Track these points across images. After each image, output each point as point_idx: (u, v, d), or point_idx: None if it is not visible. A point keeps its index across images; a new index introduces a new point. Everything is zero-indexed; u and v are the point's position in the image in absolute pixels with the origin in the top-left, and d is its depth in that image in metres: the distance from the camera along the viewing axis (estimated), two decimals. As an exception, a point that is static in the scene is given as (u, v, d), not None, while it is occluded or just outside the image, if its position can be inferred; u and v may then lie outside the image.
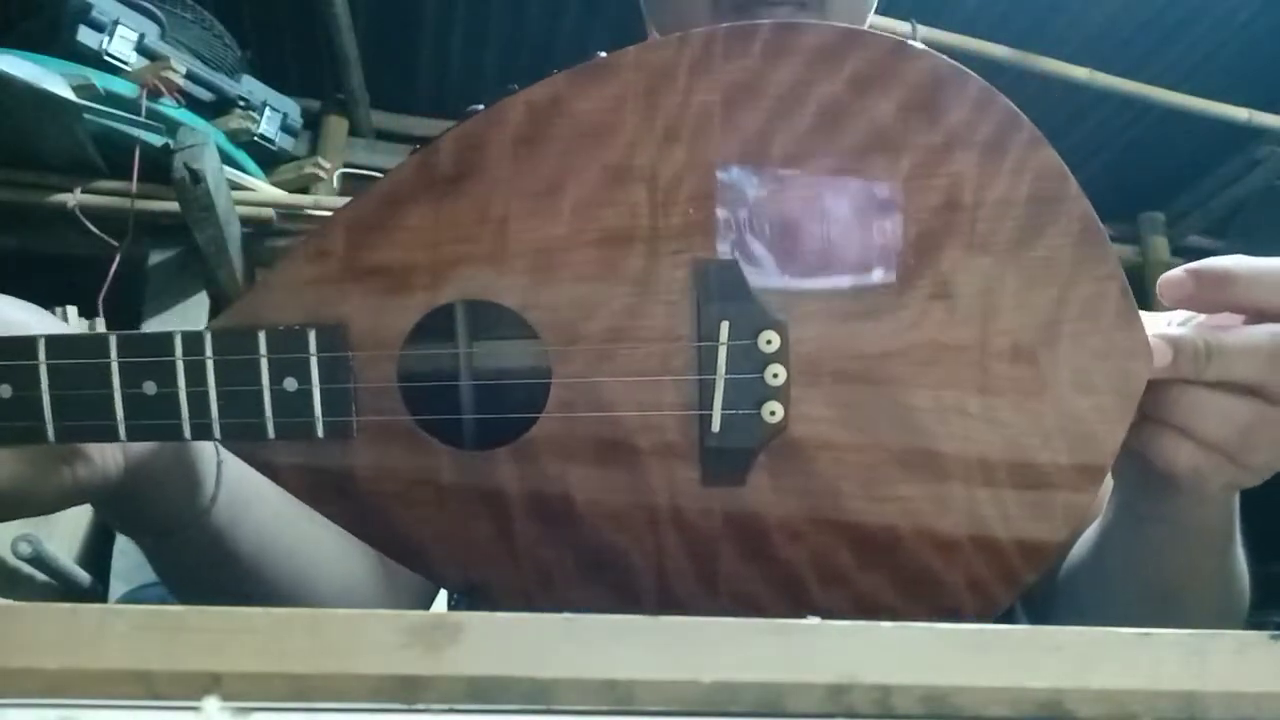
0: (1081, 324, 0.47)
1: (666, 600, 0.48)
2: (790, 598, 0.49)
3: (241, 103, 2.07)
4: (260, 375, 0.46)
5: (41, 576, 1.66)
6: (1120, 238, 3.18)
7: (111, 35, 1.87)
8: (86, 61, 1.84)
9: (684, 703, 0.33)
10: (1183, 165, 3.02)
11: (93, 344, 0.46)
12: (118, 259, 1.77)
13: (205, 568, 0.59)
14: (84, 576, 1.74)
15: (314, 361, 0.46)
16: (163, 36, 1.99)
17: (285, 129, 2.16)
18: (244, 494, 0.59)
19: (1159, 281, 0.49)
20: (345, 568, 0.67)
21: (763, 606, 0.49)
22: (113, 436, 0.46)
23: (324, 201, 2.02)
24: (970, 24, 2.50)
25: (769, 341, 0.46)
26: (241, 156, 2.03)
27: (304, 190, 2.18)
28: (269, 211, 1.96)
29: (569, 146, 0.46)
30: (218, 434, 0.46)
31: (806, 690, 0.34)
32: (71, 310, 1.75)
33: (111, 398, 0.45)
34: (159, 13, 2.00)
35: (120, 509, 0.55)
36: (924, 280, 0.47)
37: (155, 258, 1.91)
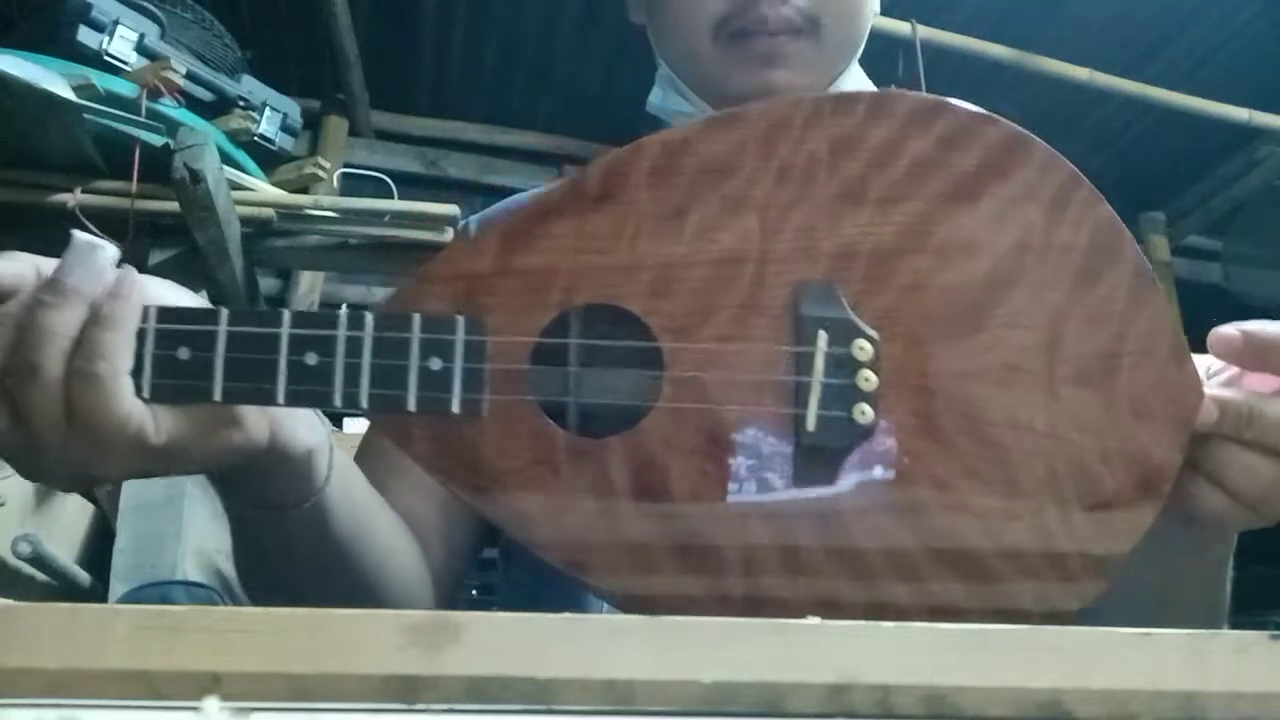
0: (1139, 357, 0.53)
1: (751, 593, 0.52)
2: (869, 598, 0.52)
3: (241, 103, 2.07)
4: (410, 353, 0.51)
5: (41, 576, 1.66)
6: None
7: (111, 35, 1.87)
8: (86, 61, 1.83)
9: (684, 703, 0.33)
10: (1183, 165, 3.02)
11: (267, 316, 0.52)
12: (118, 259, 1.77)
13: (300, 549, 0.63)
14: (84, 576, 1.74)
15: (458, 344, 0.52)
16: (163, 36, 1.98)
17: (285, 129, 2.16)
18: (347, 480, 0.64)
19: (1212, 333, 0.55)
20: (408, 568, 0.71)
21: (843, 606, 0.52)
22: (272, 400, 0.51)
23: (324, 201, 2.02)
24: (970, 24, 2.50)
25: (862, 349, 0.52)
26: (241, 156, 2.03)
27: (304, 190, 2.18)
28: (269, 211, 1.96)
29: (695, 179, 0.54)
30: (365, 404, 0.51)
31: (806, 690, 0.34)
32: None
33: (276, 364, 0.51)
34: (159, 13, 2.00)
35: (248, 482, 0.59)
36: (999, 310, 0.53)
37: (155, 258, 1.91)
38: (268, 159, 2.14)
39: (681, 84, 0.83)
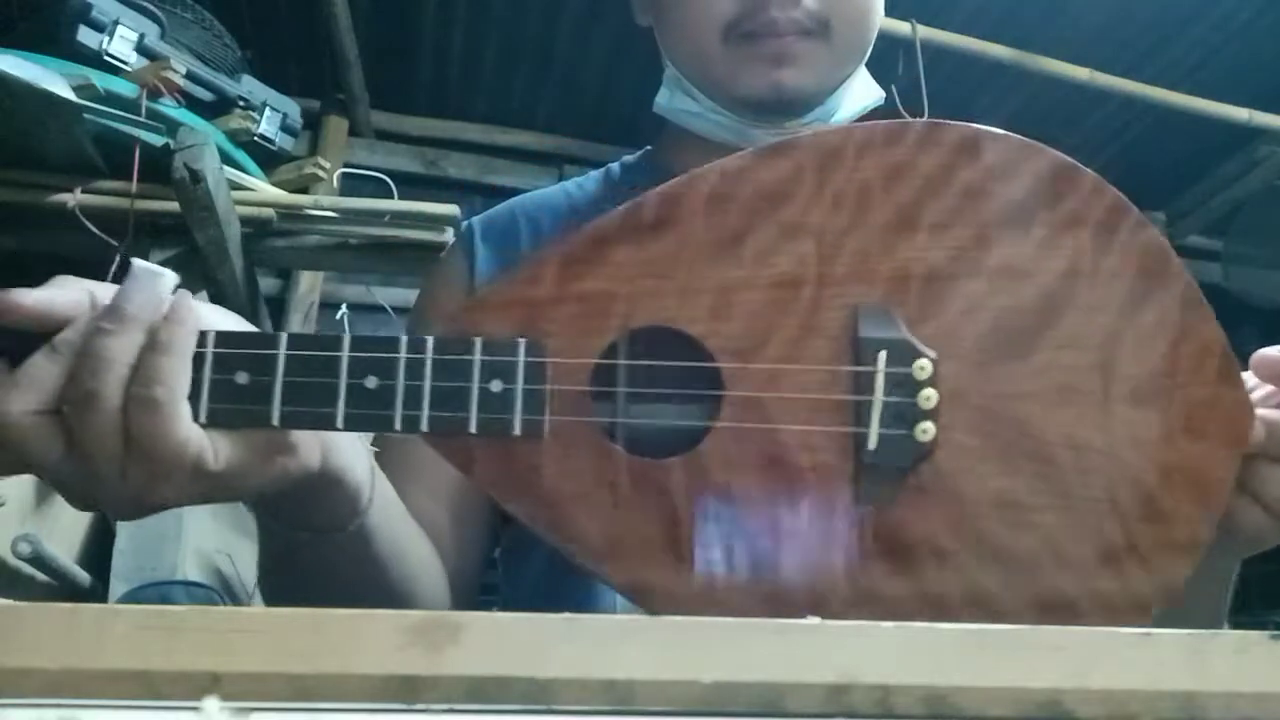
0: (1191, 378, 0.54)
1: (821, 613, 0.51)
2: (935, 617, 0.52)
3: (241, 103, 2.07)
4: (471, 375, 0.52)
5: (41, 576, 1.66)
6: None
7: (111, 35, 1.87)
8: (86, 61, 1.83)
9: (684, 703, 0.34)
10: (1183, 165, 3.02)
11: (326, 341, 0.52)
12: (118, 259, 1.77)
13: (337, 571, 0.63)
14: (84, 576, 1.74)
15: (520, 366, 0.52)
16: (163, 36, 1.98)
17: (285, 129, 2.16)
18: (387, 503, 0.64)
19: (1256, 355, 0.56)
20: (435, 579, 0.72)
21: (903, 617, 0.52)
22: (331, 425, 0.51)
23: (324, 201, 2.02)
24: (970, 24, 2.50)
25: (922, 368, 0.53)
26: (241, 156, 2.03)
27: (304, 190, 2.18)
28: (269, 211, 1.96)
29: (753, 205, 0.55)
30: (425, 426, 0.51)
31: (806, 690, 0.34)
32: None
33: (336, 387, 0.51)
34: (159, 13, 2.00)
35: (296, 505, 0.59)
36: (1051, 332, 0.54)
37: (155, 258, 1.91)
38: (268, 159, 2.14)
39: (689, 85, 0.83)
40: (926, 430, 0.52)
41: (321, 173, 2.23)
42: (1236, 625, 0.62)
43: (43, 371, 0.49)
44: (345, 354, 0.51)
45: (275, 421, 0.51)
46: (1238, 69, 2.69)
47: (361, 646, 0.33)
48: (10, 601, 0.35)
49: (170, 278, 0.51)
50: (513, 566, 0.85)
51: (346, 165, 2.59)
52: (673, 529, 0.52)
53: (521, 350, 0.52)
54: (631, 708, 0.33)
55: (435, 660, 0.33)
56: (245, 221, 1.93)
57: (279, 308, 2.62)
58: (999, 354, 0.54)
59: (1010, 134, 0.57)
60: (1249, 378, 0.57)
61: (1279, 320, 2.99)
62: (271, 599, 0.70)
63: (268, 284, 2.54)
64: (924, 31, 2.34)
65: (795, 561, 0.52)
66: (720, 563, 0.52)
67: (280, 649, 0.33)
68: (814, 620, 0.36)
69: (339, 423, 0.51)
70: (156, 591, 1.68)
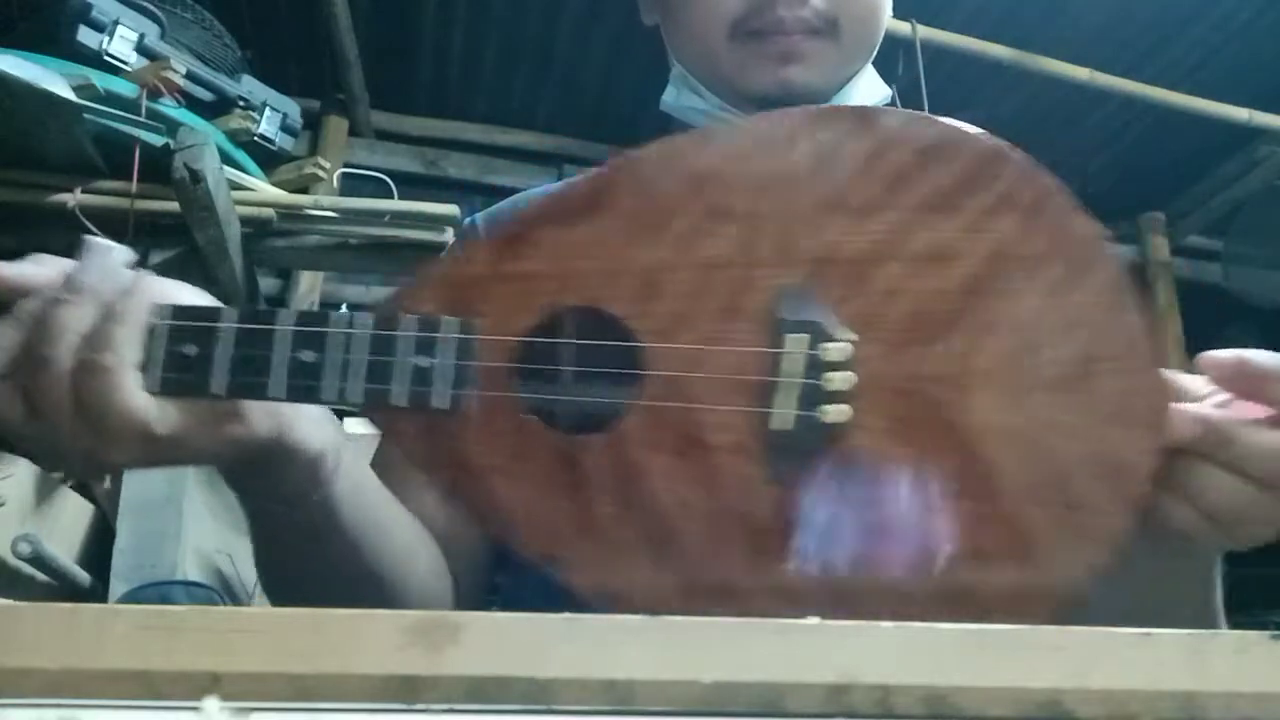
0: (1115, 364, 0.53)
1: (723, 589, 0.53)
2: (840, 596, 0.53)
3: (241, 103, 2.07)
4: (402, 350, 0.54)
5: (41, 576, 1.66)
6: (1120, 238, 3.18)
7: (111, 35, 1.87)
8: (86, 61, 1.83)
9: (684, 703, 0.34)
10: (1183, 165, 3.02)
11: (267, 315, 0.55)
12: (117, 259, 1.77)
13: (312, 543, 0.65)
14: (84, 576, 1.74)
15: (447, 342, 0.54)
16: (163, 36, 1.99)
17: (285, 129, 2.16)
18: (358, 479, 0.66)
19: (1203, 356, 0.55)
20: (428, 569, 0.72)
21: (814, 604, 0.52)
22: (269, 395, 0.54)
23: (324, 201, 2.02)
24: (970, 24, 2.50)
25: (836, 350, 0.53)
26: (241, 156, 2.03)
27: (304, 190, 2.18)
28: (269, 211, 1.96)
29: (680, 189, 0.56)
30: (360, 398, 0.54)
31: (806, 690, 0.34)
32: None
33: (276, 360, 0.54)
34: (159, 13, 2.00)
35: (255, 474, 0.61)
36: (974, 317, 0.53)
37: (155, 258, 1.91)
38: (268, 159, 2.14)
39: (696, 83, 0.83)
40: (837, 412, 0.53)
41: (321, 173, 2.24)
42: (1236, 625, 0.62)
43: (3, 338, 0.52)
44: (284, 328, 0.54)
45: (219, 391, 0.53)
46: (1238, 69, 2.69)
47: (361, 646, 0.33)
48: (10, 601, 0.35)
49: (123, 252, 0.55)
50: (513, 564, 0.85)
51: (346, 165, 2.60)
52: (589, 503, 0.54)
53: (449, 327, 0.54)
54: (631, 708, 0.33)
55: (435, 660, 0.33)
56: (245, 221, 1.93)
57: (279, 308, 2.62)
58: (920, 337, 0.54)
59: (945, 118, 0.56)
60: (1198, 379, 0.55)
61: (1279, 320, 3.00)
62: (262, 575, 0.72)
63: (268, 284, 2.54)
64: (924, 31, 2.35)
65: (703, 538, 0.53)
66: (631, 537, 0.54)
67: (280, 649, 0.33)
68: (814, 620, 0.36)
69: (279, 393, 0.54)
70: (156, 591, 1.68)
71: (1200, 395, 0.55)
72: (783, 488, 0.53)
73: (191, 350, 0.54)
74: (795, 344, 0.53)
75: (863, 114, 0.57)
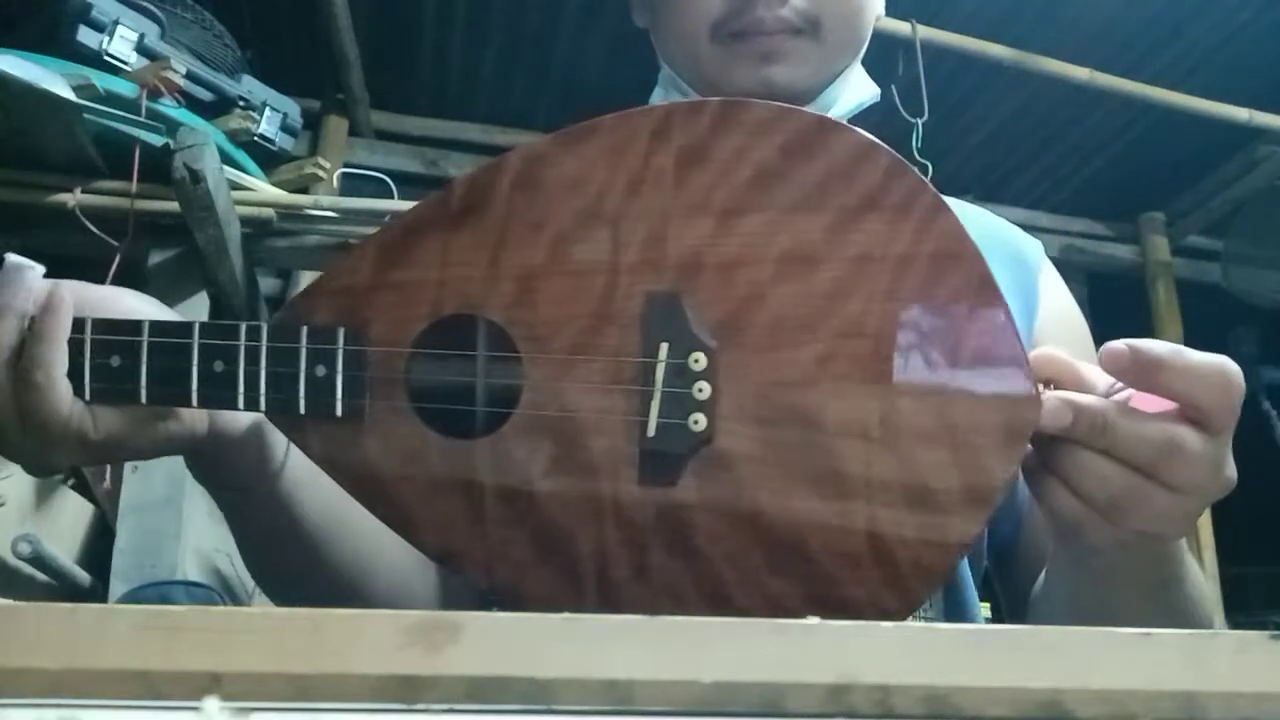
0: (976, 368, 0.53)
1: (604, 585, 0.56)
2: (710, 594, 0.55)
3: (241, 103, 2.07)
4: (299, 361, 0.57)
5: (41, 576, 1.66)
6: (1120, 238, 3.18)
7: (111, 35, 1.87)
8: (86, 61, 1.83)
9: (684, 703, 0.34)
10: (1183, 165, 3.02)
11: (180, 329, 0.58)
12: (118, 259, 1.77)
13: (275, 531, 0.69)
14: (84, 576, 1.74)
15: (339, 354, 0.57)
16: (163, 36, 1.98)
17: (285, 129, 2.16)
18: (307, 472, 0.67)
19: (1103, 348, 0.53)
20: (402, 561, 0.74)
21: (686, 600, 0.55)
22: (188, 403, 0.58)
23: (324, 201, 2.02)
24: (970, 24, 2.50)
25: (697, 361, 0.55)
26: (241, 156, 2.03)
27: (304, 190, 2.18)
28: (269, 211, 1.96)
29: (553, 192, 0.56)
30: (263, 407, 0.57)
31: (806, 690, 0.34)
32: (71, 310, 1.75)
33: (190, 371, 0.57)
34: (159, 13, 2.00)
35: (205, 464, 0.66)
36: (835, 319, 0.54)
37: (155, 258, 1.91)
38: (268, 159, 2.14)
39: (683, 84, 0.83)
40: (699, 421, 0.54)
41: (321, 173, 2.23)
42: (1236, 625, 0.62)
43: None
44: (196, 341, 0.57)
45: (143, 399, 0.58)
46: (1238, 69, 2.69)
47: (361, 646, 0.33)
48: (10, 601, 0.35)
49: (37, 270, 0.59)
50: None
51: (346, 165, 2.59)
52: (477, 503, 0.56)
53: (340, 338, 0.57)
54: (631, 708, 0.33)
55: (435, 660, 0.33)
56: (245, 221, 1.93)
57: (279, 308, 2.62)
58: (782, 341, 0.54)
59: (811, 112, 0.56)
60: (1099, 371, 0.54)
61: (1279, 320, 3.00)
62: (247, 565, 0.76)
63: (268, 284, 2.54)
64: (924, 31, 2.34)
65: (584, 537, 0.55)
66: (516, 535, 0.56)
67: (280, 649, 0.33)
68: (814, 620, 0.36)
69: (194, 401, 0.58)
70: (156, 591, 1.68)
71: (1101, 387, 0.54)
72: (654, 488, 0.55)
73: (116, 361, 0.58)
74: (663, 352, 0.55)
75: (726, 108, 0.56)
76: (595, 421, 0.55)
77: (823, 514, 0.53)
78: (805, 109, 0.57)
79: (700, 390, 0.54)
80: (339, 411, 0.57)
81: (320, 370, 0.57)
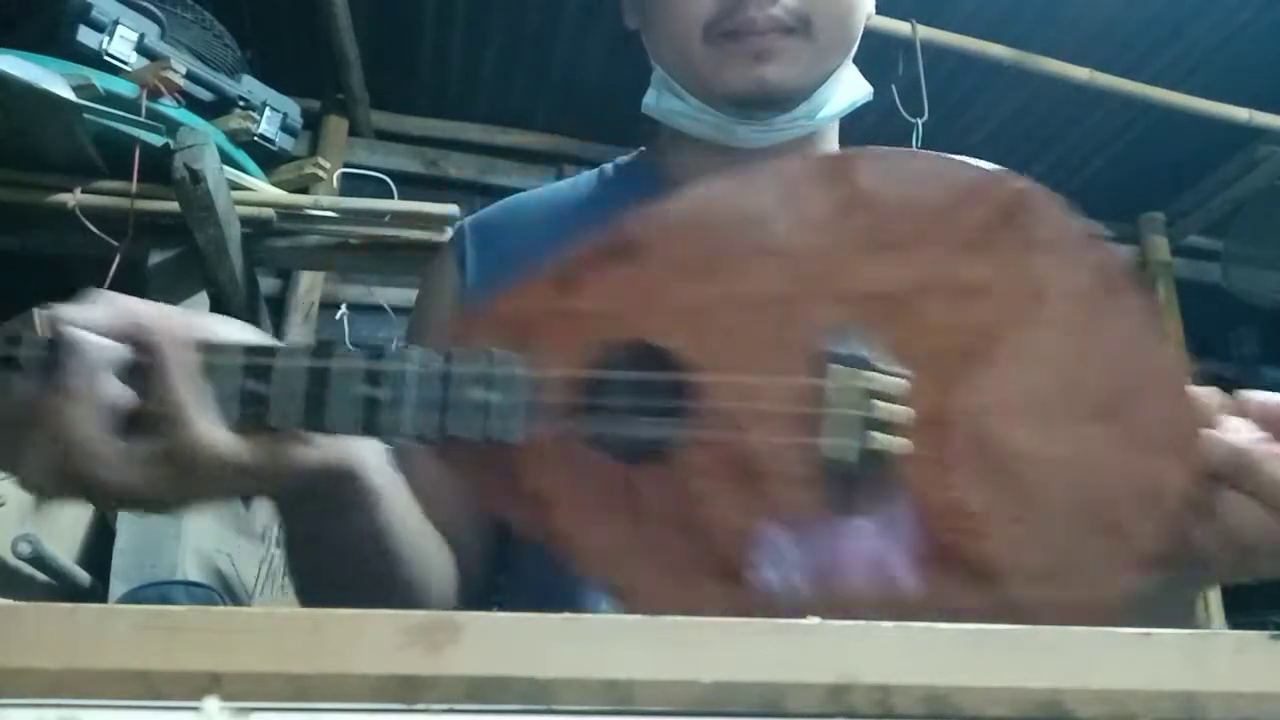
0: (1152, 395, 0.55)
1: (778, 613, 0.56)
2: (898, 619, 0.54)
3: (241, 103, 2.07)
4: (468, 387, 0.56)
5: (41, 576, 1.66)
6: (1120, 238, 3.18)
7: (111, 35, 1.87)
8: (86, 61, 1.83)
9: (684, 703, 0.34)
10: (1183, 165, 3.02)
11: (338, 351, 0.56)
12: (118, 259, 1.77)
13: (351, 553, 0.66)
14: (84, 576, 1.74)
15: (509, 379, 0.56)
16: (163, 36, 1.99)
17: (285, 129, 2.16)
18: (395, 488, 0.67)
19: (1245, 397, 0.57)
20: (448, 574, 0.74)
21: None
22: (349, 431, 0.56)
23: (324, 201, 2.02)
24: (970, 24, 2.50)
25: (883, 384, 0.55)
26: (241, 156, 2.03)
27: (304, 190, 2.18)
28: (269, 211, 1.96)
29: (727, 226, 0.58)
30: (433, 436, 0.56)
31: (806, 690, 0.34)
32: (71, 310, 1.75)
33: (344, 396, 0.55)
34: (159, 13, 2.00)
35: (314, 494, 0.61)
36: (1014, 349, 0.56)
37: (155, 258, 1.91)
38: (268, 159, 2.14)
39: (676, 84, 0.84)
40: (885, 444, 0.55)
41: (321, 173, 2.24)
42: (1236, 625, 0.62)
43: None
44: (360, 365, 0.55)
45: (296, 428, 0.56)
46: (1238, 69, 2.69)
47: (361, 646, 0.33)
48: (10, 601, 0.35)
49: (94, 332, 0.54)
50: (513, 563, 0.85)
51: (346, 165, 2.60)
52: (646, 530, 0.56)
53: (512, 364, 0.56)
54: (631, 708, 0.33)
55: (435, 660, 0.33)
56: (245, 221, 1.93)
57: (279, 308, 2.62)
58: (961, 370, 0.56)
59: (978, 161, 0.59)
60: (1239, 420, 0.57)
61: (1279, 320, 3.00)
62: (297, 582, 0.73)
63: (268, 284, 2.54)
64: (924, 31, 2.34)
65: (758, 562, 0.55)
66: (686, 563, 0.56)
67: (280, 649, 0.33)
68: (814, 620, 0.36)
69: (348, 429, 0.55)
70: (156, 591, 1.68)
71: (1243, 433, 0.57)
72: (833, 516, 0.55)
73: (260, 388, 0.55)
74: (845, 377, 0.56)
75: (896, 156, 0.59)
76: (771, 447, 0.56)
77: (1012, 537, 0.54)
78: (970, 159, 0.59)
79: (887, 413, 0.55)
80: (509, 439, 0.56)
81: (493, 397, 0.56)
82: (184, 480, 0.54)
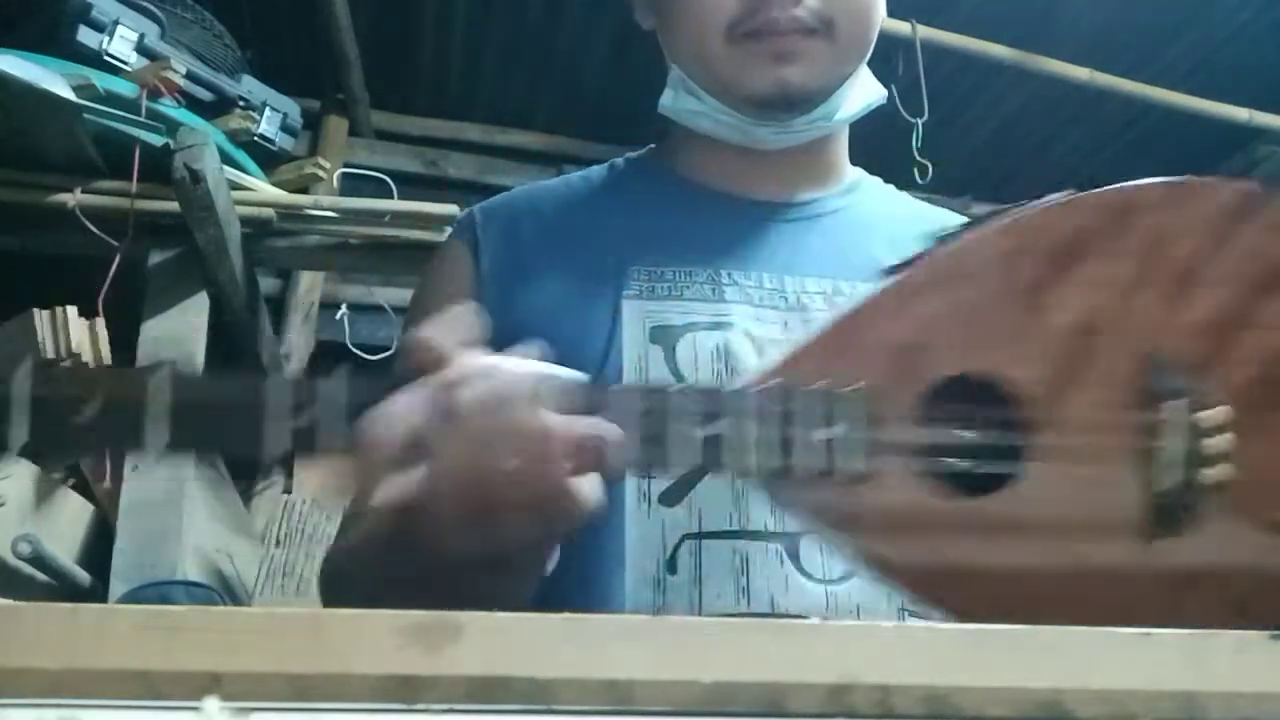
0: None
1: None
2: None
3: (241, 103, 2.07)
4: (810, 422, 0.56)
5: (41, 576, 1.66)
6: (1120, 238, 3.18)
7: (111, 35, 1.87)
8: (86, 61, 1.83)
9: (684, 703, 0.34)
10: (1183, 165, 3.01)
11: (657, 391, 0.55)
12: (118, 259, 1.77)
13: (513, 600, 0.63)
14: (84, 576, 1.74)
15: (850, 414, 0.56)
16: (163, 36, 1.99)
17: (285, 129, 2.16)
18: None
19: None
20: None
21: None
22: (679, 468, 0.56)
23: (324, 201, 2.02)
24: (970, 24, 2.50)
25: (1209, 417, 0.57)
26: (241, 156, 2.03)
27: (304, 190, 2.18)
28: (269, 211, 1.96)
29: (1047, 258, 0.59)
30: (770, 469, 0.55)
31: (806, 690, 0.34)
32: (72, 310, 1.75)
33: (693, 435, 0.54)
34: (159, 13, 2.00)
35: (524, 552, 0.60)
36: None
37: (155, 258, 1.91)
38: (268, 159, 2.14)
39: (694, 85, 0.83)
40: (1211, 474, 0.56)
41: (321, 173, 2.24)
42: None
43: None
44: (694, 397, 0.55)
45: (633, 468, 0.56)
46: (1238, 69, 2.69)
47: (361, 646, 0.33)
48: (10, 601, 0.35)
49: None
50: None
51: (346, 165, 2.59)
52: (984, 558, 0.57)
53: (846, 403, 0.56)
54: (631, 708, 0.33)
55: (435, 660, 0.33)
56: (245, 221, 1.93)
57: (279, 308, 2.62)
58: (1272, 400, 0.58)
59: None
60: None
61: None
62: (365, 590, 0.69)
63: (268, 284, 2.54)
64: (924, 31, 2.34)
65: (1093, 595, 0.57)
66: (1026, 593, 0.56)
67: (280, 649, 0.33)
68: (814, 620, 0.36)
69: (687, 465, 0.55)
70: (156, 591, 1.68)
71: None
72: (1165, 545, 0.57)
73: (699, 433, 0.55)
74: (1174, 410, 0.57)
75: (1211, 188, 0.61)
76: (1104, 477, 0.57)
77: None
78: None
79: (1213, 445, 0.57)
80: (848, 470, 0.56)
81: (828, 432, 0.56)
82: (549, 519, 0.54)
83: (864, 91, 0.86)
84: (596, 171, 0.92)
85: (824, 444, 0.56)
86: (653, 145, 0.94)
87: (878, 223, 0.87)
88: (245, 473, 2.43)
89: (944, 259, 0.60)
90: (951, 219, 0.95)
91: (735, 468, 0.55)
